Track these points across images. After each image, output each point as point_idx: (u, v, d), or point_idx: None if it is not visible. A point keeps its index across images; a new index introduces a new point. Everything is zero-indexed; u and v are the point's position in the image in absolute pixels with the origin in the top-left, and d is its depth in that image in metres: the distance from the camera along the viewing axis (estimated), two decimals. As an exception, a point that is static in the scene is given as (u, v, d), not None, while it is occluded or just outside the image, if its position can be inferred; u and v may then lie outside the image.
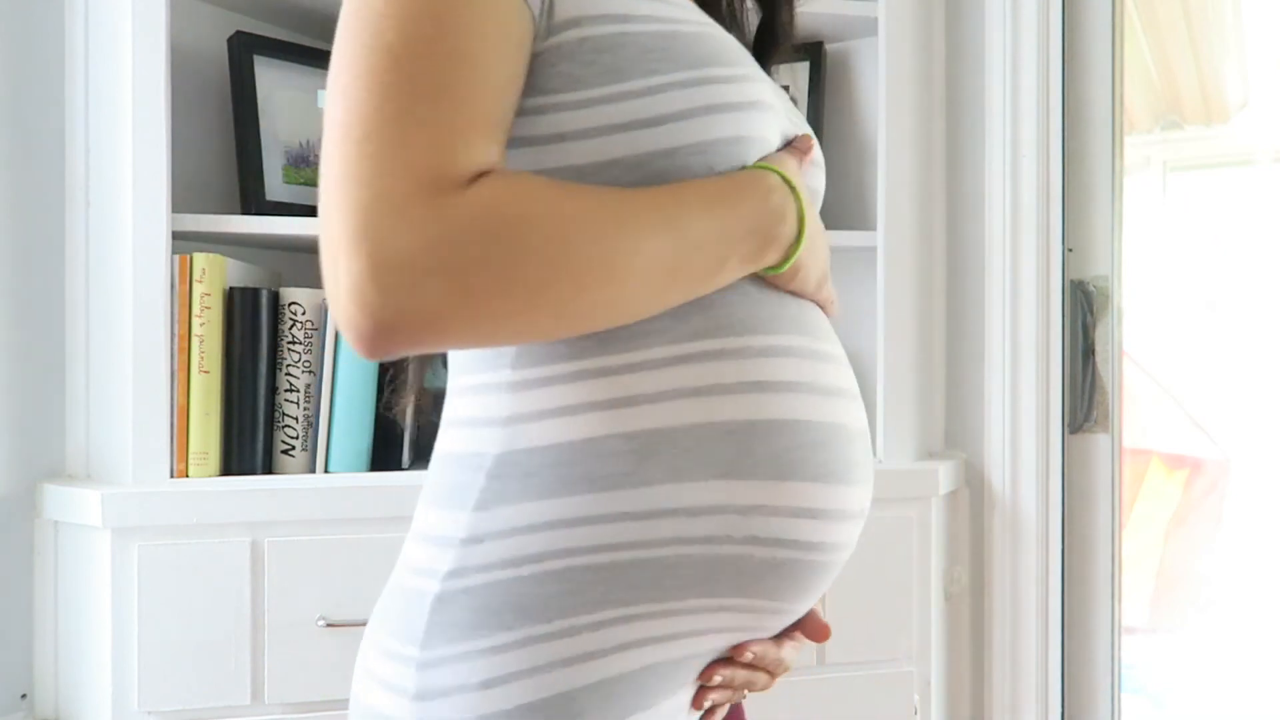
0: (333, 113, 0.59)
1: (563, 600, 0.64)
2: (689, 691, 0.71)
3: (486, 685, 0.63)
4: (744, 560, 0.67)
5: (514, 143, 0.65)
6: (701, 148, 0.66)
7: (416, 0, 0.58)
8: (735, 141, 0.68)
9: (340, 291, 0.56)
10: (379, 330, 0.56)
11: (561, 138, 0.65)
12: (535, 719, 0.63)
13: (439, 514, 0.69)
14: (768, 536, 0.67)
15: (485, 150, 0.60)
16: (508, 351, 0.67)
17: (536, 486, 0.65)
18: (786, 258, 0.70)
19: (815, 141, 0.78)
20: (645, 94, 0.65)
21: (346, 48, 0.59)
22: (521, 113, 0.65)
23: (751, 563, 0.67)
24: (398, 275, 0.55)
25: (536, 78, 0.64)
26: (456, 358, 0.72)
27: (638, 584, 0.65)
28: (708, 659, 0.71)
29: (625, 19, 0.66)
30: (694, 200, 0.65)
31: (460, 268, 0.56)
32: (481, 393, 0.68)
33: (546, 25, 0.64)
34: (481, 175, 0.59)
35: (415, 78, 0.58)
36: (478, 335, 0.60)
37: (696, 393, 0.66)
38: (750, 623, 0.70)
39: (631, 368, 0.65)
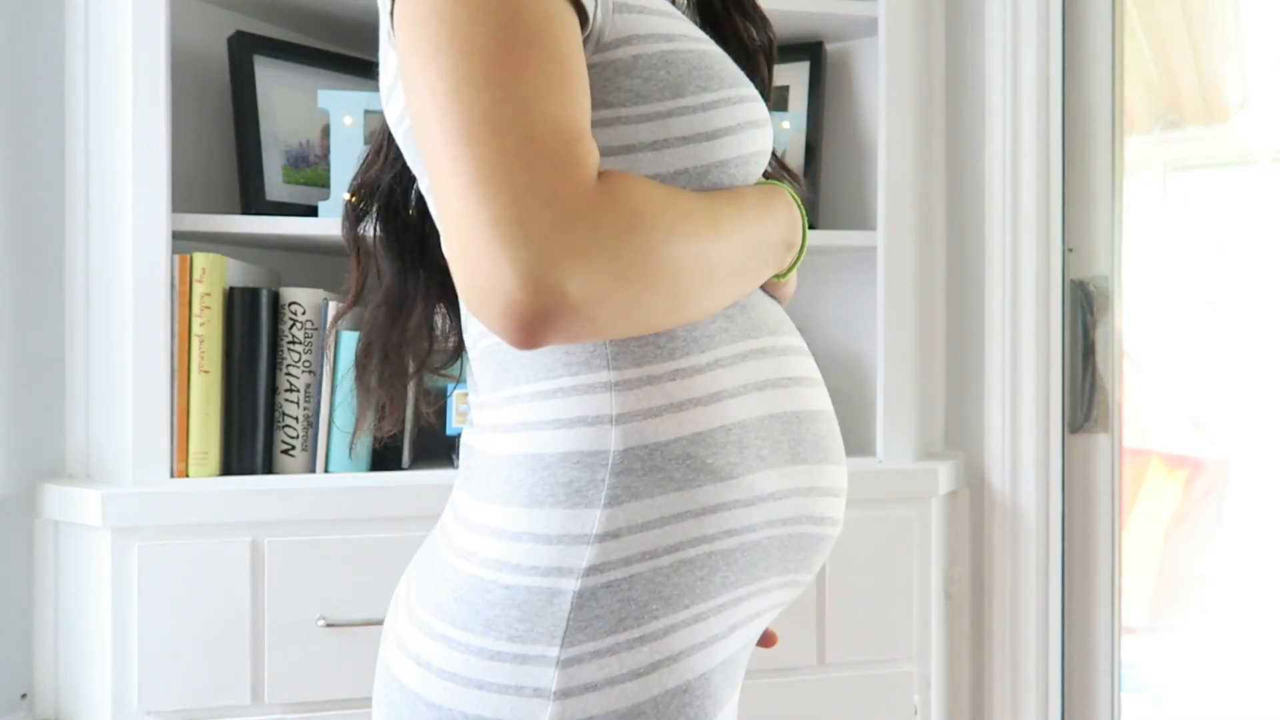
0: (445, 118, 0.59)
1: (695, 587, 0.69)
2: None
3: (637, 674, 0.66)
4: (804, 538, 0.75)
5: None
6: (745, 159, 0.73)
7: (501, 7, 0.60)
8: (762, 154, 0.76)
9: (501, 280, 0.56)
10: (543, 316, 0.57)
11: (630, 149, 0.69)
12: (681, 703, 0.67)
13: (554, 513, 0.68)
14: (819, 515, 0.76)
15: (594, 145, 0.62)
16: (602, 352, 0.69)
17: (664, 480, 0.68)
18: (793, 264, 0.79)
19: None
20: (701, 109, 0.70)
21: (435, 58, 0.60)
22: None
23: (808, 539, 0.76)
24: (567, 261, 0.57)
25: (596, 91, 0.68)
26: (529, 364, 0.72)
27: (745, 567, 0.71)
28: (758, 636, 0.78)
29: (670, 38, 0.70)
30: (752, 206, 0.73)
31: (614, 254, 0.59)
32: (578, 394, 0.70)
33: (598, 41, 0.67)
34: (599, 170, 0.62)
35: (526, 77, 0.59)
36: (621, 322, 0.62)
37: (759, 386, 0.73)
38: (789, 597, 0.77)
39: (712, 365, 0.71)
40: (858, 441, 1.69)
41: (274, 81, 1.53)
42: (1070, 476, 1.80)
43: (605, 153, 0.68)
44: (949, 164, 1.82)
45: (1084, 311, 1.79)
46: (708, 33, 0.91)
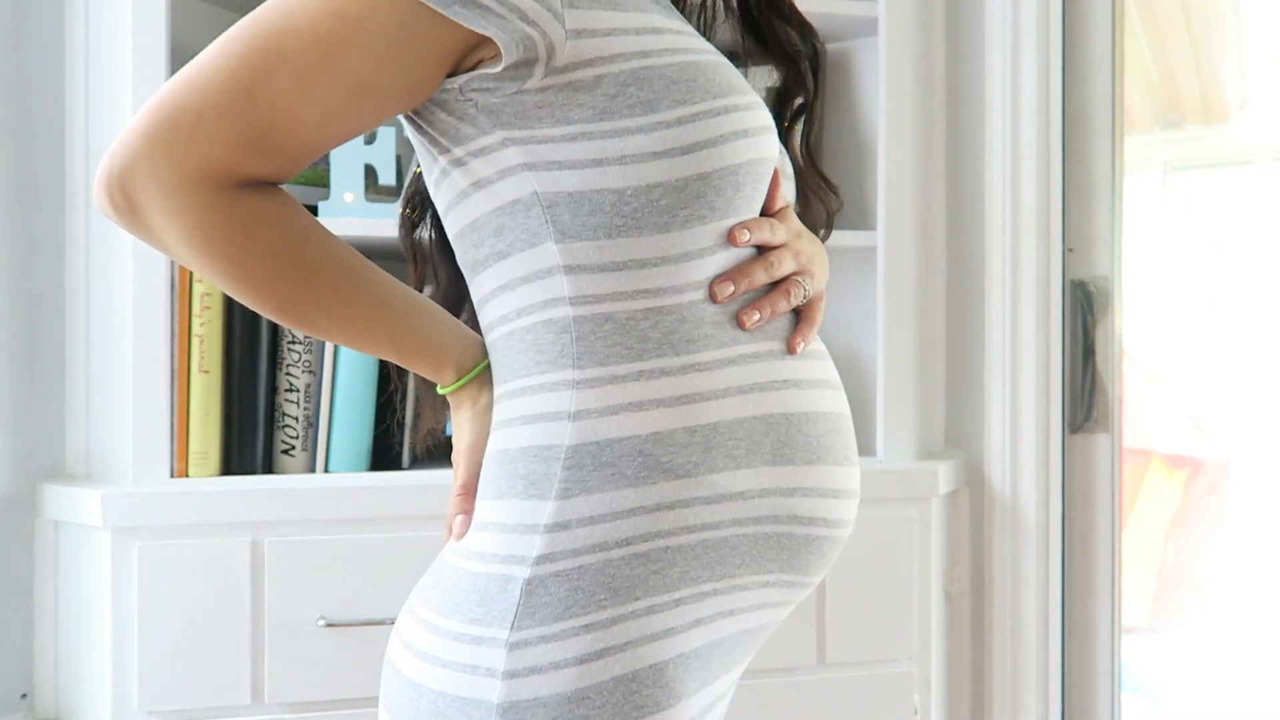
0: (236, 35, 0.69)
1: (648, 580, 0.71)
2: (736, 673, 0.79)
3: (582, 660, 0.68)
4: (787, 538, 0.76)
5: (552, 165, 0.71)
6: (732, 169, 0.74)
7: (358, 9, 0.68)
8: (759, 163, 0.76)
9: (117, 149, 0.68)
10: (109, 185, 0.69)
11: (599, 163, 0.71)
12: (628, 690, 0.69)
13: (513, 504, 0.72)
14: (804, 515, 0.76)
15: (289, 170, 0.71)
16: (569, 352, 0.72)
17: (615, 476, 0.71)
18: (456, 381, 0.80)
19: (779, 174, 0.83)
20: (676, 124, 0.71)
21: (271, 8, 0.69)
22: (550, 140, 0.71)
23: (793, 540, 0.76)
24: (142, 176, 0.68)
25: (556, 109, 0.70)
26: (509, 363, 0.76)
27: (708, 563, 0.73)
28: (756, 635, 0.79)
29: (645, 54, 0.72)
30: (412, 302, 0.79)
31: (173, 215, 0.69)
32: (544, 391, 0.73)
33: (548, 65, 0.69)
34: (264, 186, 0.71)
35: (311, 70, 0.68)
36: (170, 237, 0.70)
37: (742, 390, 0.74)
38: (784, 596, 0.78)
39: (686, 369, 0.72)
40: (858, 441, 1.69)
41: (274, 81, 1.53)
42: (1070, 476, 1.80)
43: (573, 166, 0.71)
44: (949, 164, 1.82)
45: (1084, 311, 1.79)
46: (749, 39, 0.92)
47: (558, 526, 0.70)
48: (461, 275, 0.90)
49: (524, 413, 0.74)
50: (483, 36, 0.68)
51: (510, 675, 0.68)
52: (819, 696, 1.57)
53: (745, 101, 0.75)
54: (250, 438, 1.42)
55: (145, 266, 1.36)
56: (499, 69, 0.69)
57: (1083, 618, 1.80)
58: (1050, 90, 1.75)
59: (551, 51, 0.69)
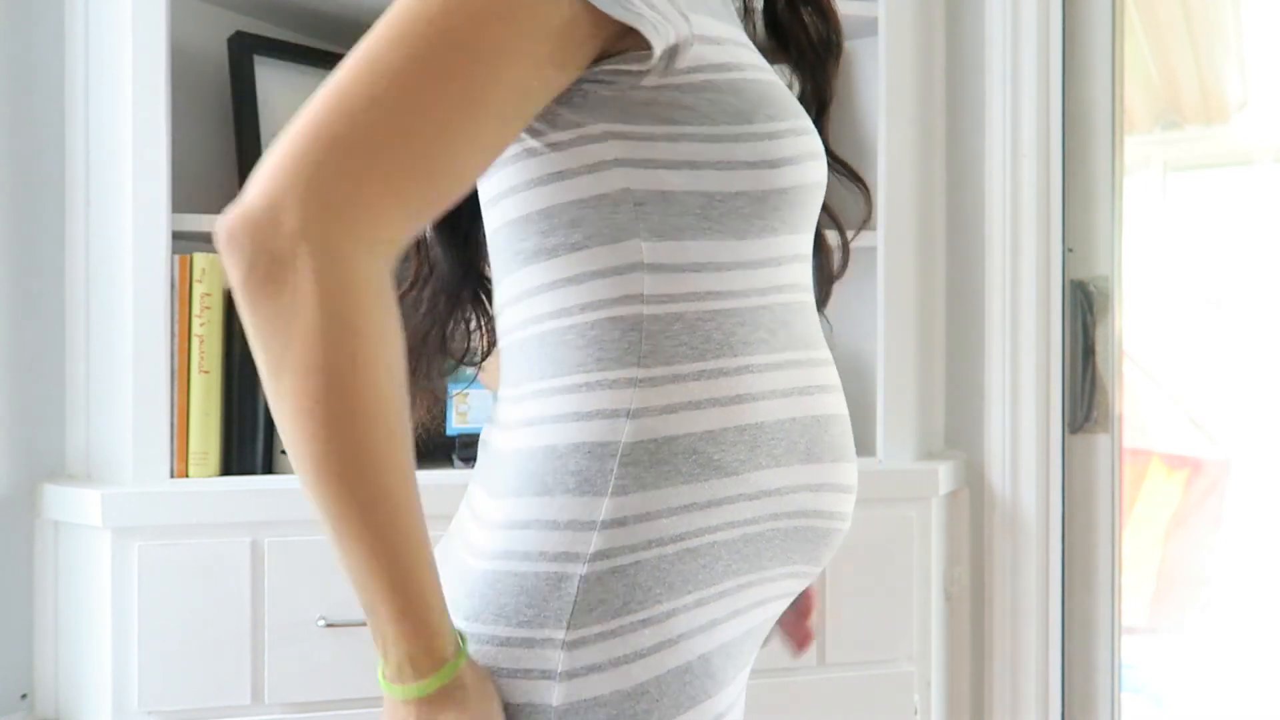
0: (368, 65, 0.62)
1: (697, 575, 0.72)
2: (753, 659, 0.81)
3: (640, 655, 0.69)
4: (810, 531, 0.79)
5: (650, 163, 0.71)
6: (807, 189, 0.77)
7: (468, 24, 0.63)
8: (819, 187, 0.79)
9: (257, 190, 0.60)
10: (243, 234, 0.60)
11: (695, 165, 0.72)
12: (682, 681, 0.70)
13: (563, 500, 0.71)
14: (825, 510, 0.80)
15: (420, 221, 0.65)
16: (635, 350, 0.72)
17: (671, 473, 0.72)
18: (420, 679, 0.66)
19: None
20: (767, 138, 0.74)
21: (396, 32, 0.63)
22: (652, 138, 0.71)
23: (814, 533, 0.79)
24: (267, 228, 0.59)
25: (661, 109, 0.71)
26: (561, 358, 0.74)
27: (746, 556, 0.75)
28: (770, 622, 0.81)
29: (740, 67, 0.74)
30: (418, 554, 0.65)
31: (280, 283, 0.59)
32: (602, 388, 0.73)
33: (668, 65, 0.70)
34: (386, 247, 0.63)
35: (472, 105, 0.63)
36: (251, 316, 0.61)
37: (786, 393, 0.77)
38: (799, 585, 0.82)
39: (740, 370, 0.75)
40: (858, 441, 1.69)
41: (274, 81, 1.53)
42: (1070, 476, 1.80)
43: (670, 166, 0.72)
44: (949, 164, 1.82)
45: (1084, 311, 1.79)
46: (772, 36, 0.93)
47: (614, 523, 0.70)
48: (460, 270, 0.89)
49: (577, 409, 0.73)
50: (624, 30, 0.67)
51: (569, 676, 0.68)
52: (819, 696, 1.57)
53: (810, 126, 0.78)
54: (250, 438, 1.42)
55: (145, 266, 1.36)
56: (647, 65, 0.69)
57: (1083, 618, 1.80)
58: (1050, 90, 1.75)
59: (676, 53, 0.70)
